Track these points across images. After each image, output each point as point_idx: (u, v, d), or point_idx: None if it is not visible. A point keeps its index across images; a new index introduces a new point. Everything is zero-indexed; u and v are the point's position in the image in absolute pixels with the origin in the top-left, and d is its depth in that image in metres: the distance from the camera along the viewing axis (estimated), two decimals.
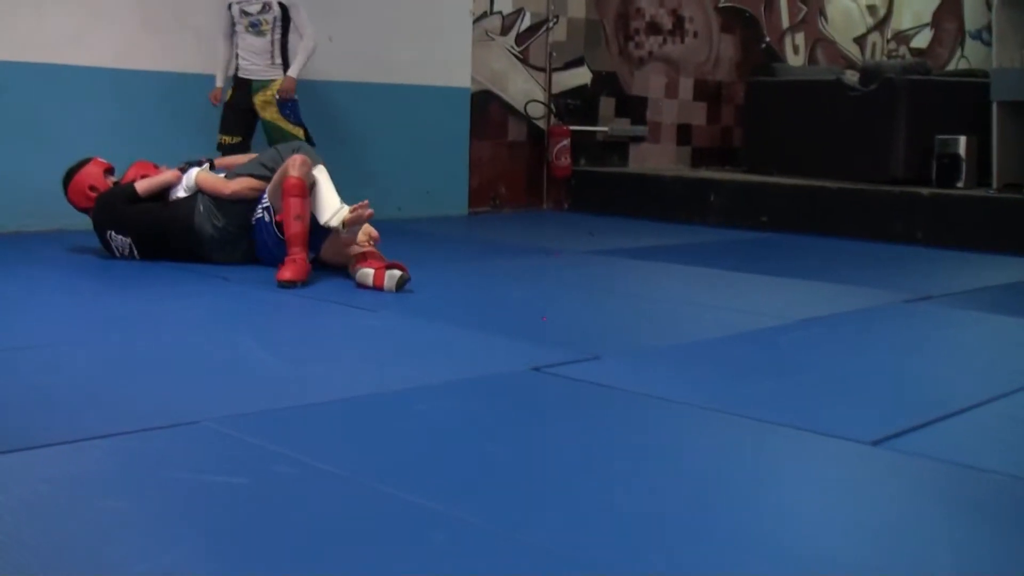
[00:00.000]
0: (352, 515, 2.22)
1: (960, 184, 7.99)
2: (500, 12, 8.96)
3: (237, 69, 6.64)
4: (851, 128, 8.68)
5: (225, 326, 4.21)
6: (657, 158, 10.36)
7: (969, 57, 13.26)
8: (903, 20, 12.82)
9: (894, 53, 12.63)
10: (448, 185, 8.65)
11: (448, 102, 8.57)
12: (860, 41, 12.34)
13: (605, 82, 9.83)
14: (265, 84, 6.59)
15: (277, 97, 6.58)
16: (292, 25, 6.63)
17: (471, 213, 8.78)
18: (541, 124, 9.32)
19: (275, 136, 6.61)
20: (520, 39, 9.12)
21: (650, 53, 10.19)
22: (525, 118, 9.22)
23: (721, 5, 10.78)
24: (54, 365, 3.40)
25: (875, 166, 8.43)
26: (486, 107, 8.91)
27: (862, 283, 5.60)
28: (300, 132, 6.63)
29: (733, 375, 3.57)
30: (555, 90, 9.40)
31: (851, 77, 9.40)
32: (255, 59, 6.58)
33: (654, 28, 10.19)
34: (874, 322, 4.60)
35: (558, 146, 9.21)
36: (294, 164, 5.01)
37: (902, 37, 12.81)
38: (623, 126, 10.01)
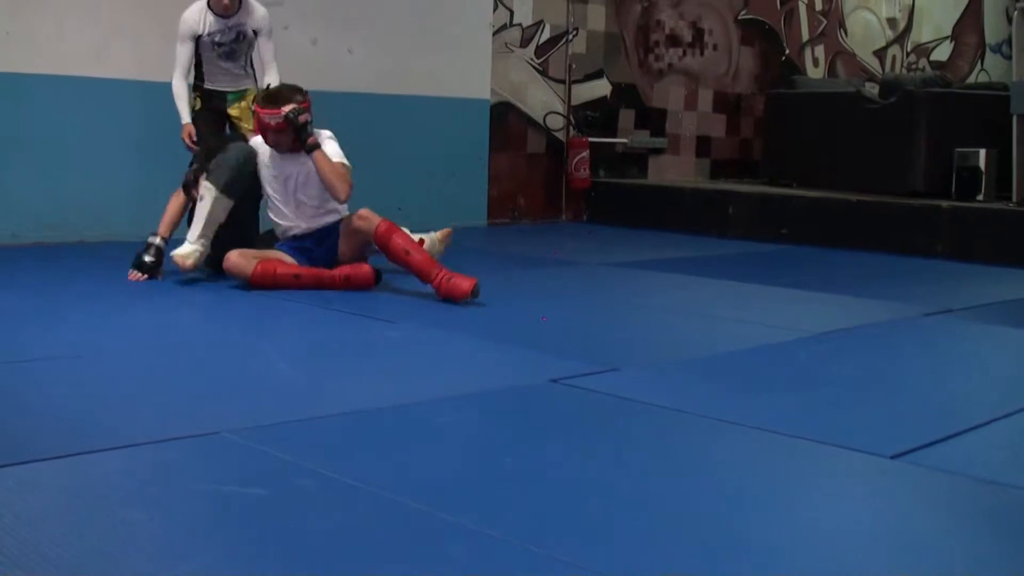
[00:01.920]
0: (371, 527, 2.22)
1: (980, 197, 7.96)
2: (520, 24, 8.97)
3: (204, 81, 6.15)
4: (871, 141, 8.66)
5: (245, 337, 4.23)
6: (676, 170, 10.35)
7: (989, 70, 13.23)
8: (923, 33, 12.79)
9: (914, 66, 12.60)
10: (467, 196, 8.66)
11: (467, 114, 8.59)
12: (880, 54, 12.32)
13: (624, 94, 9.84)
14: (239, 95, 6.18)
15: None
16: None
17: (490, 224, 8.79)
18: (560, 136, 9.33)
19: None
20: (540, 51, 9.14)
21: (670, 65, 10.19)
22: (544, 130, 9.23)
23: (741, 17, 10.78)
24: (74, 376, 3.42)
25: (895, 179, 8.40)
26: (505, 119, 8.92)
27: (882, 296, 5.58)
28: None
29: (752, 388, 3.56)
30: (574, 102, 9.41)
31: (871, 90, 9.39)
32: (228, 74, 6.13)
33: (674, 40, 10.20)
34: (894, 335, 4.58)
35: (577, 158, 9.22)
36: (360, 216, 5.15)
37: (922, 50, 12.77)
38: (642, 138, 10.01)
